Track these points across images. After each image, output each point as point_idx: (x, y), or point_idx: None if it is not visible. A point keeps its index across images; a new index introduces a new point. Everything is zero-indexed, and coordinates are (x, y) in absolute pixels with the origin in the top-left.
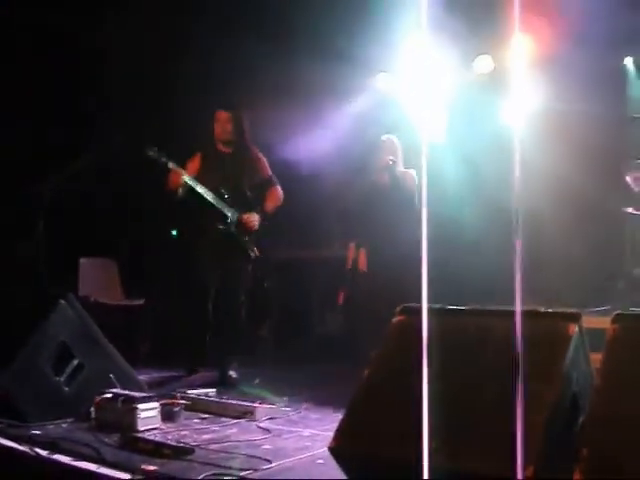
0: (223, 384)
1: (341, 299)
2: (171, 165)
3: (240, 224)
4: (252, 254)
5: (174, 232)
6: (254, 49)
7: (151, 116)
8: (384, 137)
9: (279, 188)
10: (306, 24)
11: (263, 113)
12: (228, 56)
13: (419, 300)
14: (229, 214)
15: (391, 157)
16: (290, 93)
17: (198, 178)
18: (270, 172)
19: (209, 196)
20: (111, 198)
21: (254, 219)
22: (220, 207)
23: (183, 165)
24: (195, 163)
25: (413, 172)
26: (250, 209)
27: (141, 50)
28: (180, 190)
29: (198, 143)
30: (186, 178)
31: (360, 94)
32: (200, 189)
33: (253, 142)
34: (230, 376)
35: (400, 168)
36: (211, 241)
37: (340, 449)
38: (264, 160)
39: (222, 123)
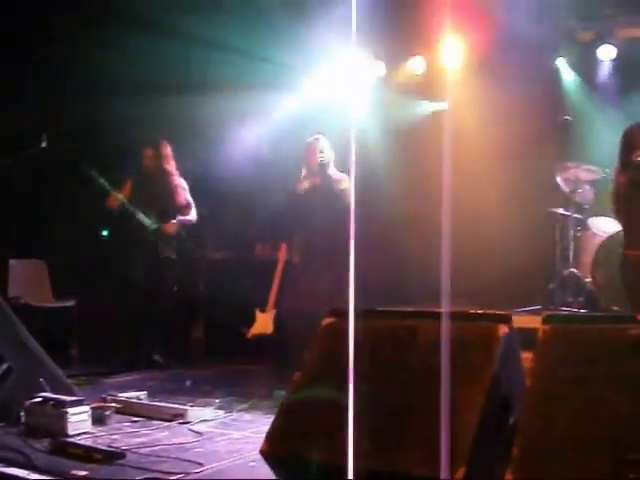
0: (148, 367)
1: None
2: (109, 188)
3: (160, 231)
4: (172, 256)
5: (105, 232)
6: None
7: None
8: (312, 137)
9: (193, 211)
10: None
11: (186, 114)
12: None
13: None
14: (148, 224)
15: (320, 155)
16: (213, 95)
17: (130, 199)
18: (186, 199)
19: (137, 214)
20: (40, 199)
21: (172, 227)
22: (142, 220)
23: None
24: (127, 188)
25: (345, 176)
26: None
27: None
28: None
29: (130, 170)
30: (124, 202)
31: (286, 97)
32: (131, 208)
33: (175, 170)
34: (155, 360)
35: (332, 169)
36: (137, 248)
37: (271, 452)
38: (182, 186)
39: (158, 159)
